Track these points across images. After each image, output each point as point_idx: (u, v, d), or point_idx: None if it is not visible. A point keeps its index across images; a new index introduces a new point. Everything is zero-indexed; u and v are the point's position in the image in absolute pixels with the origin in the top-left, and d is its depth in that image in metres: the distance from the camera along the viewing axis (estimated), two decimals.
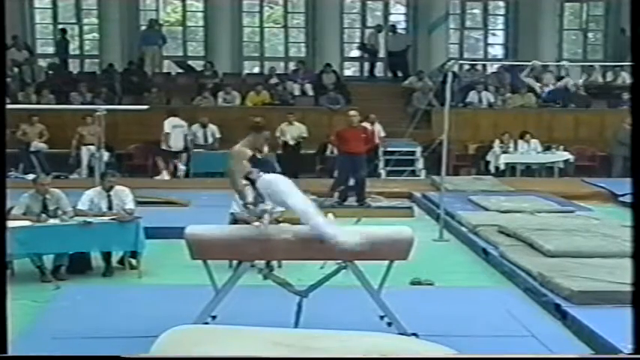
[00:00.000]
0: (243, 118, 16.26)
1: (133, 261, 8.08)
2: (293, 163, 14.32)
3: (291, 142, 15.61)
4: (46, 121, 15.42)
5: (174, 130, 15.08)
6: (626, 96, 16.46)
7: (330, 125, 15.57)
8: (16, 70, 17.36)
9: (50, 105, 15.90)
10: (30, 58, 18.43)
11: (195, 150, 15.57)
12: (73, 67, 20.07)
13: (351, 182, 12.08)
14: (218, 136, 15.69)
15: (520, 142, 16.12)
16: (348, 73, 21.16)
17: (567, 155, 16.12)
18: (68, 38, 19.86)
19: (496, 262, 8.34)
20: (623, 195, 12.12)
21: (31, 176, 11.08)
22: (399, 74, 19.58)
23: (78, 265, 7.97)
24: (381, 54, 20.20)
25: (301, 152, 15.76)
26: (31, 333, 5.80)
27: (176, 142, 15.16)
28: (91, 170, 14.44)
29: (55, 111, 15.51)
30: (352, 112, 12.45)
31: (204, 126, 15.75)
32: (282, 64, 20.50)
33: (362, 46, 20.67)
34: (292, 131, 15.69)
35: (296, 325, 5.50)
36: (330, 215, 5.64)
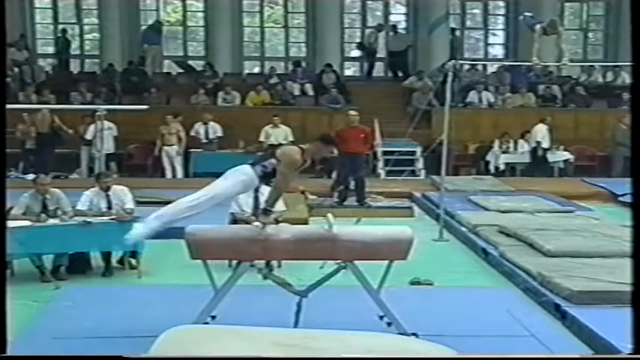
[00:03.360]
0: (243, 118, 16.38)
1: (133, 261, 8.08)
2: None
3: (276, 143, 15.37)
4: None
5: (104, 133, 14.74)
6: (626, 96, 16.46)
7: (330, 125, 15.56)
8: (16, 70, 17.36)
9: (50, 105, 15.90)
10: (30, 58, 18.42)
11: (196, 150, 15.56)
12: (74, 67, 20.08)
13: (351, 182, 12.09)
14: (219, 134, 15.63)
15: (520, 141, 16.13)
16: (348, 73, 21.15)
17: (567, 155, 16.13)
18: (69, 38, 19.87)
19: (496, 262, 8.35)
20: (623, 195, 12.12)
21: (30, 176, 11.08)
22: (399, 74, 19.58)
23: (78, 265, 7.97)
24: (381, 54, 20.19)
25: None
26: (31, 333, 5.81)
27: (107, 145, 14.60)
28: (91, 170, 14.46)
29: (55, 111, 15.51)
30: (352, 112, 12.47)
31: (205, 123, 15.73)
32: (282, 64, 20.50)
33: (362, 46, 20.67)
34: (277, 134, 15.54)
35: (296, 325, 5.50)
36: (329, 215, 5.64)
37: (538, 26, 9.99)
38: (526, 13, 10.97)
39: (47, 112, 15.19)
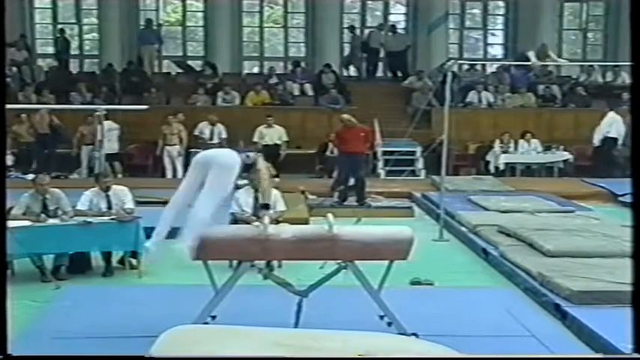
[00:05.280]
0: (243, 118, 16.37)
1: (133, 261, 8.08)
2: (273, 165, 14.08)
3: (270, 144, 15.34)
4: None
5: (109, 133, 14.45)
6: (625, 96, 16.46)
7: (330, 125, 15.57)
8: (15, 70, 17.35)
9: (50, 105, 15.91)
10: (30, 58, 18.41)
11: (196, 150, 15.50)
12: (73, 67, 20.08)
13: (351, 182, 12.09)
14: (224, 135, 15.37)
15: (520, 141, 16.13)
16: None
17: (567, 155, 16.13)
18: (68, 38, 19.86)
19: (496, 262, 8.35)
20: (623, 195, 12.12)
21: (30, 176, 11.08)
22: (399, 74, 19.58)
23: (78, 265, 7.97)
24: (381, 54, 20.19)
25: (280, 154, 15.27)
26: (31, 333, 5.80)
27: (111, 145, 14.68)
28: (91, 170, 14.46)
29: (55, 111, 15.52)
30: (345, 116, 12.47)
31: (212, 124, 15.63)
32: (281, 64, 20.50)
33: (365, 46, 20.65)
34: (271, 134, 15.50)
35: (296, 325, 5.50)
36: (329, 215, 5.64)
37: (531, 55, 10.03)
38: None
39: (45, 112, 15.21)
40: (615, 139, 15.25)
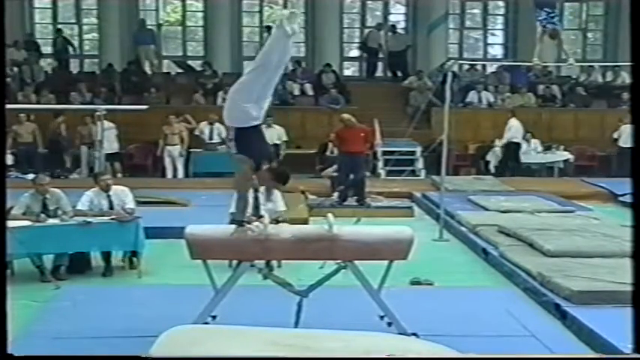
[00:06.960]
0: None
1: (134, 260, 8.09)
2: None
3: (270, 143, 15.21)
4: (45, 120, 15.45)
5: (106, 133, 14.17)
6: (625, 96, 16.46)
7: (330, 125, 15.57)
8: (16, 69, 17.34)
9: (50, 105, 15.90)
10: (30, 58, 18.41)
11: (196, 150, 15.51)
12: (73, 67, 20.06)
13: (351, 182, 12.08)
14: (225, 135, 15.27)
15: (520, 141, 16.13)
16: (347, 73, 21.14)
17: (567, 155, 16.13)
18: (67, 38, 19.85)
19: (496, 262, 8.35)
20: (623, 195, 12.12)
21: (30, 176, 11.08)
22: (399, 74, 19.58)
23: (78, 265, 7.97)
24: (381, 54, 20.19)
25: (279, 154, 14.89)
26: (31, 333, 5.81)
27: (110, 145, 14.61)
28: (91, 170, 14.46)
29: (55, 111, 15.51)
30: (345, 115, 12.48)
31: (211, 123, 15.54)
32: None
33: (362, 46, 20.66)
34: (270, 134, 15.44)
35: (296, 325, 5.50)
36: (329, 215, 5.64)
37: (539, 29, 9.94)
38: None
39: (60, 118, 15.29)
40: (518, 144, 15.71)
